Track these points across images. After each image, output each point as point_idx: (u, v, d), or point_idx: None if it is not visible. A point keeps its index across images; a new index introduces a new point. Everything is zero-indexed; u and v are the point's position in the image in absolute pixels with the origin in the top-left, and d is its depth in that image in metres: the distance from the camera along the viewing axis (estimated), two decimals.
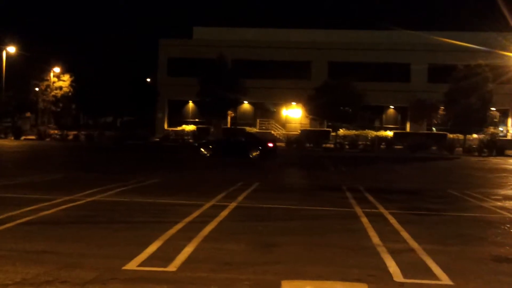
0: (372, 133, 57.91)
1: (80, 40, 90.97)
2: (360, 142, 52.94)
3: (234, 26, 67.66)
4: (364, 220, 11.83)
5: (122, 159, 31.87)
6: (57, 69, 68.97)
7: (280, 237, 9.85)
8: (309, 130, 58.29)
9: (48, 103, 70.08)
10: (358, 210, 13.28)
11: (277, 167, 28.44)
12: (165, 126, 64.52)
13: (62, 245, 8.71)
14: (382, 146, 51.60)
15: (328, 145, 51.85)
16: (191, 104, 65.55)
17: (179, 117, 65.84)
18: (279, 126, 64.36)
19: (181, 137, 56.61)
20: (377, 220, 11.80)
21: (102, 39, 68.21)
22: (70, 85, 68.13)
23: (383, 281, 7.17)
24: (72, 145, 46.81)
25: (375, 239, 9.80)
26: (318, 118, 56.65)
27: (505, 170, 29.60)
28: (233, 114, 63.19)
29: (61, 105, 71.19)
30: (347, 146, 50.60)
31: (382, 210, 13.39)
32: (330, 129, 58.31)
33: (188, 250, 8.52)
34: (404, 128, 62.79)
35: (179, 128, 61.79)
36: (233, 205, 13.50)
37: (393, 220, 11.85)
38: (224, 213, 12.17)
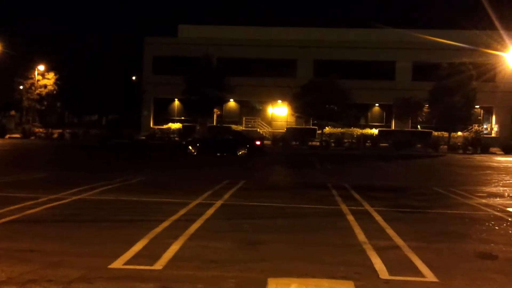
0: (358, 131, 58.12)
1: (64, 38, 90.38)
2: (345, 140, 53.15)
3: (219, 24, 67.62)
4: (350, 217, 11.88)
5: (107, 158, 31.73)
6: (41, 67, 68.49)
7: (266, 235, 9.87)
8: (295, 128, 58.38)
9: (33, 101, 69.58)
10: (344, 207, 13.32)
11: (263, 165, 28.45)
12: (151, 124, 64.34)
13: (47, 244, 8.67)
14: (367, 144, 51.78)
15: (314, 143, 51.94)
16: (177, 102, 65.40)
17: (165, 115, 65.68)
18: (265, 124, 64.40)
19: (167, 135, 56.46)
20: (363, 218, 11.86)
21: (87, 37, 67.71)
22: (55, 83, 67.68)
23: (369, 278, 7.21)
24: (57, 144, 46.51)
25: (361, 236, 9.85)
26: (304, 116, 56.75)
27: (489, 168, 29.83)
28: (219, 112, 63.14)
29: (46, 103, 70.70)
30: (332, 144, 50.73)
31: (367, 207, 13.45)
32: (316, 127, 58.46)
33: (174, 248, 8.51)
34: (389, 126, 63.04)
35: (165, 126, 61.62)
36: (219, 203, 13.50)
37: (378, 218, 11.91)
38: (210, 211, 12.16)
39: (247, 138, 37.24)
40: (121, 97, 58.89)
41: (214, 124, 62.66)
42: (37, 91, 68.58)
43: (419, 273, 7.55)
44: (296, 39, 63.69)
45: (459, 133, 56.30)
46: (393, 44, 62.22)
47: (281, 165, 29.10)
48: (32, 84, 68.70)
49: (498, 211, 13.61)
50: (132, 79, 70.79)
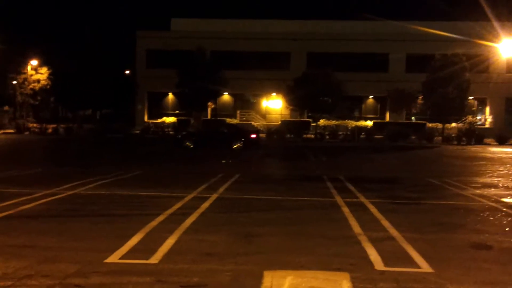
0: (352, 123, 58.17)
1: (57, 32, 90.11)
2: (340, 132, 53.20)
3: (212, 17, 67.49)
4: (345, 209, 11.90)
5: (102, 152, 31.67)
6: (34, 62, 68.18)
7: (262, 227, 9.88)
8: (290, 120, 58.36)
9: (26, 96, 69.26)
10: (339, 199, 13.35)
11: (258, 158, 28.45)
12: (145, 118, 64.22)
13: (42, 239, 8.66)
14: (362, 136, 51.83)
15: (308, 136, 51.98)
16: (171, 96, 65.29)
17: (159, 109, 65.56)
18: (260, 117, 64.36)
19: (162, 129, 56.37)
20: (358, 210, 11.88)
21: (80, 31, 67.59)
22: (48, 78, 67.40)
23: (364, 269, 7.23)
24: (51, 139, 46.41)
25: (356, 228, 9.87)
26: (298, 109, 56.71)
27: (483, 158, 29.92)
28: (213, 106, 63.06)
29: (39, 98, 70.40)
30: (327, 136, 50.78)
31: (362, 199, 13.48)
32: (311, 120, 58.46)
33: (170, 242, 8.52)
34: (384, 118, 63.11)
35: (159, 120, 61.51)
36: (214, 196, 13.50)
37: (373, 209, 11.94)
38: (206, 205, 12.17)
39: (242, 131, 37.19)
40: (115, 91, 58.76)
41: (209, 117, 62.58)
42: (30, 86, 68.28)
43: (414, 264, 7.58)
44: (289, 32, 63.60)
45: (453, 124, 56.39)
46: (387, 36, 62.22)
47: (276, 158, 29.11)
48: (25, 79, 68.40)
49: (492, 202, 13.66)
50: (126, 73, 70.61)
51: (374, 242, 8.74)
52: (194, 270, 7.05)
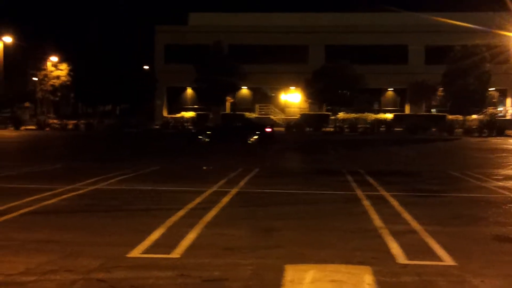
0: (372, 116, 57.91)
1: (76, 29, 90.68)
2: (359, 125, 52.98)
3: (230, 11, 67.42)
4: (366, 203, 11.85)
5: (122, 147, 31.86)
6: (54, 58, 68.71)
7: (282, 221, 9.87)
8: (309, 114, 58.24)
9: (47, 92, 69.89)
10: (359, 193, 13.29)
11: (277, 152, 28.44)
12: (165, 113, 64.45)
13: (65, 234, 8.73)
14: (381, 129, 51.61)
15: (327, 129, 51.88)
16: (189, 91, 65.46)
17: (178, 104, 65.78)
18: (279, 111, 64.31)
19: (181, 124, 56.57)
20: (379, 203, 11.82)
21: (99, 27, 67.94)
22: (68, 74, 67.93)
23: (386, 263, 7.20)
24: (72, 134, 46.80)
25: (377, 221, 9.82)
26: (316, 102, 56.61)
27: (505, 150, 29.62)
28: (232, 100, 63.11)
29: (59, 94, 71.03)
30: (346, 130, 50.62)
31: (383, 192, 13.41)
32: (330, 113, 58.31)
33: (191, 236, 8.54)
34: (403, 110, 62.73)
35: (178, 115, 61.72)
36: (234, 190, 13.51)
37: (394, 202, 11.87)
38: (226, 199, 12.18)
39: (257, 125, 37.16)
40: (134, 86, 59.03)
41: (227, 112, 62.63)
42: (51, 82, 68.86)
43: (436, 257, 7.53)
44: (307, 25, 63.38)
45: (474, 116, 55.88)
46: (406, 28, 61.72)
47: (296, 152, 29.09)
48: (45, 75, 68.99)
49: None
50: (145, 68, 70.90)
51: (395, 235, 8.69)
52: (216, 264, 7.07)
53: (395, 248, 7.93)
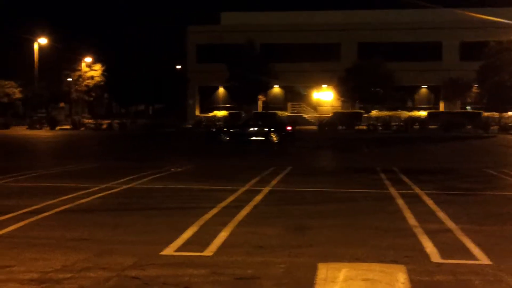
0: (405, 114, 57.38)
1: (109, 29, 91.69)
2: (393, 123, 52.51)
3: (261, 10, 67.46)
4: (400, 201, 11.74)
5: (155, 147, 32.12)
6: (88, 59, 69.61)
7: (315, 220, 9.84)
8: (341, 112, 57.98)
9: (81, 93, 70.89)
10: (393, 191, 13.17)
11: (309, 151, 28.36)
12: (197, 113, 64.79)
13: (100, 232, 8.84)
14: (415, 127, 51.08)
15: (360, 127, 51.53)
16: (221, 90, 65.69)
17: (210, 103, 66.10)
18: (311, 109, 64.13)
19: (213, 123, 56.78)
20: (413, 201, 11.69)
21: (131, 27, 68.63)
22: (102, 74, 68.78)
23: (420, 262, 7.12)
24: (106, 134, 47.36)
25: (411, 220, 9.72)
26: (349, 100, 56.35)
27: None
28: (264, 99, 63.15)
29: (93, 94, 71.99)
30: (380, 128, 50.21)
31: (417, 190, 13.26)
32: (363, 111, 57.93)
33: (223, 234, 8.56)
34: (437, 108, 62.01)
35: (210, 114, 61.99)
36: (267, 189, 13.51)
37: (429, 201, 11.73)
38: (258, 198, 12.19)
39: (278, 123, 37.09)
40: (167, 86, 59.48)
41: (259, 110, 62.68)
42: (85, 83, 69.82)
43: (472, 256, 7.41)
44: (340, 22, 63.05)
45: (510, 113, 54.94)
46: (439, 24, 61.01)
47: (328, 150, 28.97)
48: (80, 75, 69.95)
49: None
50: (177, 68, 71.37)
51: (430, 234, 8.58)
52: (248, 263, 7.08)
53: (429, 247, 7.83)
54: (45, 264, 6.97)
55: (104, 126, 54.46)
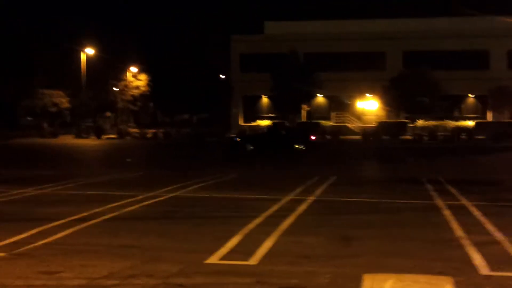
0: (452, 124, 56.43)
1: (154, 39, 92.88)
2: (439, 133, 51.68)
3: (305, 20, 67.44)
4: (446, 212, 11.55)
5: (200, 156, 32.34)
6: (134, 69, 70.62)
7: (360, 230, 9.77)
8: (386, 122, 57.39)
9: (127, 102, 71.89)
10: (439, 202, 12.97)
11: (354, 160, 28.16)
12: (241, 122, 65.05)
13: (146, 240, 8.95)
14: (462, 137, 50.19)
15: (406, 137, 50.92)
16: (265, 99, 65.85)
17: (254, 113, 66.26)
18: (355, 119, 63.72)
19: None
20: (460, 213, 11.49)
21: (176, 37, 69.53)
22: (147, 84, 69.69)
23: (468, 274, 6.99)
24: (151, 143, 47.95)
25: (458, 231, 9.55)
26: (394, 110, 55.78)
27: None
28: (308, 108, 63.02)
29: (139, 104, 72.92)
30: (425, 138, 49.50)
31: (464, 202, 13.03)
32: (408, 121, 57.24)
33: (268, 244, 8.57)
34: (485, 118, 60.83)
35: (254, 124, 62.15)
36: (311, 199, 13.47)
37: (476, 212, 11.51)
38: (303, 207, 12.16)
39: (301, 133, 37.01)
40: (211, 95, 59.94)
41: (303, 120, 62.56)
42: (130, 92, 70.79)
43: None
44: (384, 31, 62.53)
45: None
46: (486, 32, 59.90)
47: (372, 160, 28.72)
48: (126, 85, 70.98)
49: None
50: (221, 78, 71.84)
51: (477, 245, 8.42)
52: (293, 272, 7.07)
53: (477, 258, 7.69)
54: (93, 271, 7.09)
55: (149, 135, 55.15)
